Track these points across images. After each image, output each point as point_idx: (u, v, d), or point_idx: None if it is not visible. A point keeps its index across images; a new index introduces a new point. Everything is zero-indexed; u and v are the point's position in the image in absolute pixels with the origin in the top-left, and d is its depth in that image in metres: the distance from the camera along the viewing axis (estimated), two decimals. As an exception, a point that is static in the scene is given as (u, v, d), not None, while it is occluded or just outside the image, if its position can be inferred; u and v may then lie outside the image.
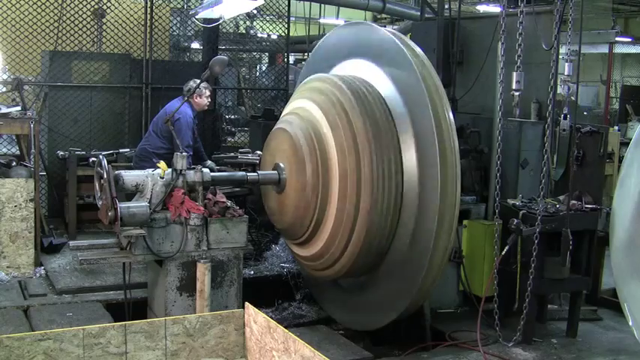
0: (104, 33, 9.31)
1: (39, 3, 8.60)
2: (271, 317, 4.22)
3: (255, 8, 10.99)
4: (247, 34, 14.16)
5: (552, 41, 5.88)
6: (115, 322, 4.82)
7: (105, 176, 5.00)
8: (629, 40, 19.58)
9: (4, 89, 8.20)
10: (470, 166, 6.68)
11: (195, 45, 12.82)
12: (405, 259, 5.34)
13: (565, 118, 6.24)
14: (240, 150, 6.44)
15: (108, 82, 9.02)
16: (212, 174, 5.51)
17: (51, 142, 8.66)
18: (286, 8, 10.32)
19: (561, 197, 6.20)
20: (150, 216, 5.04)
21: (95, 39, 9.26)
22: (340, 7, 13.83)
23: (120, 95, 9.14)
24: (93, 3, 9.05)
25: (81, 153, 8.26)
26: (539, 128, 6.64)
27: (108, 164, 5.08)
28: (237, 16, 11.78)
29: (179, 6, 11.29)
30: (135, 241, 5.05)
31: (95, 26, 9.22)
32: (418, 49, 5.56)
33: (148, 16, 9.04)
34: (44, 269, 6.81)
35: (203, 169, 5.45)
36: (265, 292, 6.61)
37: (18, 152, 7.76)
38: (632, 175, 5.14)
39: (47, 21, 8.65)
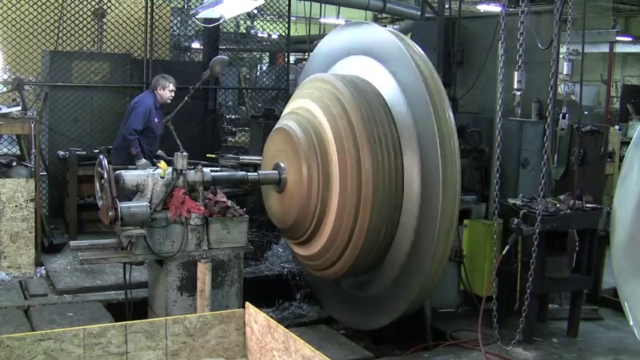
0: (105, 33, 9.30)
1: (39, 3, 8.59)
2: (272, 317, 4.22)
3: (256, 8, 10.99)
4: (248, 34, 14.16)
5: (550, 40, 5.88)
6: (116, 321, 4.82)
7: (105, 176, 5.00)
8: (630, 39, 19.58)
9: (5, 89, 8.19)
10: (470, 166, 6.68)
11: (196, 45, 12.83)
12: (405, 258, 5.33)
13: (564, 117, 6.23)
14: (241, 158, 6.40)
15: (108, 82, 9.02)
16: (213, 174, 5.51)
17: (51, 142, 8.66)
18: (287, 8, 10.31)
19: (562, 197, 6.19)
20: (150, 216, 5.04)
21: (96, 39, 9.25)
22: (341, 7, 13.83)
23: (120, 95, 9.14)
24: (93, 3, 9.04)
25: (81, 153, 8.27)
26: (539, 127, 6.63)
27: (108, 164, 5.08)
28: (238, 15, 11.78)
29: (179, 6, 11.29)
30: (135, 240, 5.05)
31: (96, 26, 9.21)
32: (418, 49, 5.56)
33: (149, 16, 9.04)
34: (45, 269, 6.81)
35: (203, 168, 5.45)
36: (266, 292, 6.61)
37: (18, 152, 7.77)
38: (633, 174, 5.13)
39: (48, 21, 8.64)
